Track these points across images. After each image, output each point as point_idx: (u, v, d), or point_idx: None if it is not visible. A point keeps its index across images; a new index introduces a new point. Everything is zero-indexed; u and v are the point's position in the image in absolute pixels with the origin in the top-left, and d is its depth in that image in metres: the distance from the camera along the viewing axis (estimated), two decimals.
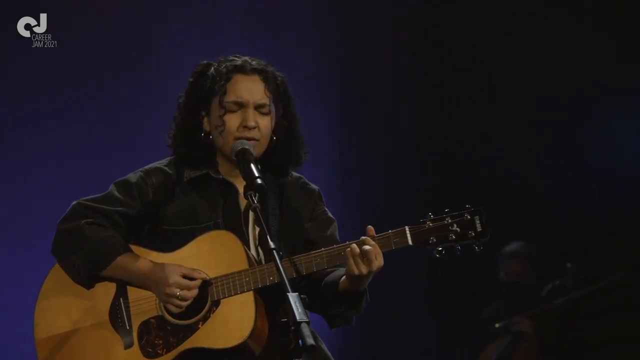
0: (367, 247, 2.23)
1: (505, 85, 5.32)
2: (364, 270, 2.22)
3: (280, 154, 2.47)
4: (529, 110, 5.42)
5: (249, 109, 2.38)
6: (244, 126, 2.36)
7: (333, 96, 5.19)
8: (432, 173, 5.32)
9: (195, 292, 2.31)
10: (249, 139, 2.35)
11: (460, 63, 5.31)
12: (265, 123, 2.39)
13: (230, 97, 2.39)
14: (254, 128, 2.37)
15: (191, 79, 2.50)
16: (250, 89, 2.40)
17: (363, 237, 2.28)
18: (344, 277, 2.31)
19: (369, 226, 2.31)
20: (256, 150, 2.36)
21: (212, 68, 2.44)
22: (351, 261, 2.23)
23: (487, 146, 5.28)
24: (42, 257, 4.34)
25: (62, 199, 4.48)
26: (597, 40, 5.25)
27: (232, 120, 2.41)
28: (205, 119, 2.45)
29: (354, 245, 2.24)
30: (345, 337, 4.16)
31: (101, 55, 4.65)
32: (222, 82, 2.40)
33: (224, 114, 2.38)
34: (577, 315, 5.34)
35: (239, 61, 2.45)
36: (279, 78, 2.48)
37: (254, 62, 2.45)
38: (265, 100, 2.40)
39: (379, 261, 2.24)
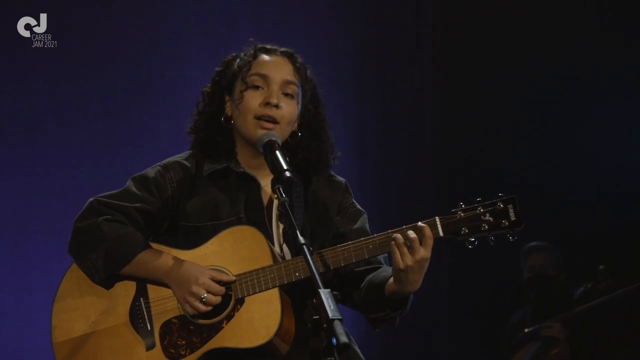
0: (411, 233, 2.07)
1: (525, 85, 5.19)
2: (409, 261, 2.05)
3: (306, 156, 2.34)
4: (552, 109, 5.25)
5: (273, 85, 2.24)
6: (267, 102, 2.16)
7: (350, 94, 5.02)
8: (452, 172, 5.16)
9: (219, 299, 2.18)
10: (269, 119, 2.16)
11: (479, 62, 5.18)
12: (289, 107, 2.25)
13: (254, 70, 2.23)
14: (277, 106, 2.17)
15: (218, 68, 2.31)
16: (277, 66, 2.27)
17: (418, 223, 2.12)
18: (391, 278, 2.17)
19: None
20: (277, 133, 2.17)
21: (242, 56, 2.26)
22: (396, 252, 2.07)
23: (510, 146, 5.14)
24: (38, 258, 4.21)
25: (61, 199, 4.35)
26: (612, 40, 5.10)
27: (254, 98, 2.28)
28: (229, 104, 2.26)
29: (398, 235, 2.08)
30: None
31: (101, 55, 4.50)
32: (248, 60, 2.23)
33: (245, 89, 2.20)
34: (609, 319, 5.11)
35: (266, 45, 2.29)
36: (309, 71, 2.30)
37: (283, 48, 2.28)
38: (293, 79, 2.24)
39: (423, 252, 2.07)
